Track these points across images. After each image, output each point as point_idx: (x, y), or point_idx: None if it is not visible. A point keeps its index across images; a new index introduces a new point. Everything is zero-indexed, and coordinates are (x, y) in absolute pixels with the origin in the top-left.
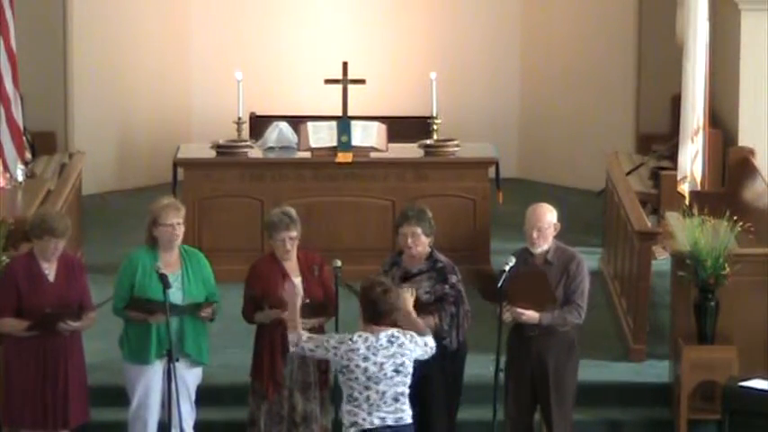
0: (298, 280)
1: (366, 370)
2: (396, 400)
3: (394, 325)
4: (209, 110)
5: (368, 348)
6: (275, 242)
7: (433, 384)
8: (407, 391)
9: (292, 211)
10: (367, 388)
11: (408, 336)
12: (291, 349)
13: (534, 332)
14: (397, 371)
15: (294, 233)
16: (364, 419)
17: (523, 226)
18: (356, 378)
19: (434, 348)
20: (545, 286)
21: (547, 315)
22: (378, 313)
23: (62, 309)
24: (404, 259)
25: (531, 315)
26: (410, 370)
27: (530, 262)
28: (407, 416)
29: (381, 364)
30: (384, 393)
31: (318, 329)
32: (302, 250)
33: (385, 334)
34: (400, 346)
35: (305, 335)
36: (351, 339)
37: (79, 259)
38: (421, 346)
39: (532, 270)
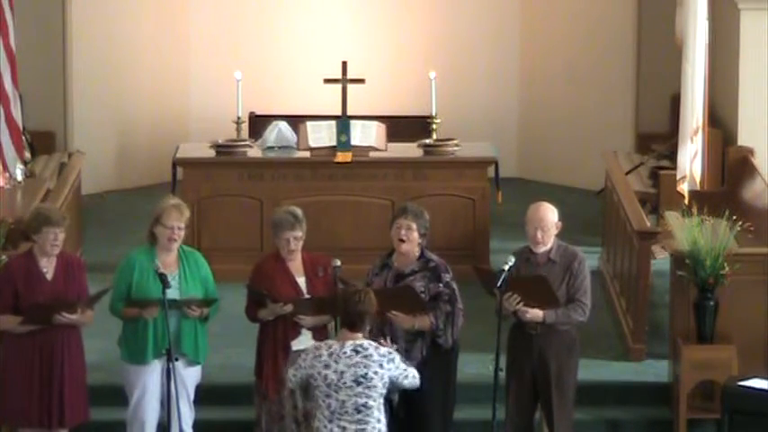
0: (302, 280)
1: (326, 377)
2: (358, 411)
3: (381, 334)
4: (208, 109)
5: (330, 356)
6: (279, 241)
7: (428, 383)
8: (375, 404)
9: (298, 211)
10: (328, 396)
11: (384, 351)
12: (289, 386)
13: (536, 330)
14: (357, 381)
15: (299, 233)
16: (326, 427)
17: (525, 225)
18: (318, 386)
19: (417, 378)
20: (547, 290)
21: (551, 313)
22: (350, 315)
23: (56, 300)
24: (395, 260)
25: (535, 313)
26: (377, 383)
27: (532, 261)
28: (373, 428)
29: (342, 372)
30: (344, 402)
31: (322, 330)
32: (307, 252)
33: (352, 343)
34: (365, 357)
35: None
36: (316, 347)
37: (79, 259)
38: (400, 369)
39: (533, 275)
